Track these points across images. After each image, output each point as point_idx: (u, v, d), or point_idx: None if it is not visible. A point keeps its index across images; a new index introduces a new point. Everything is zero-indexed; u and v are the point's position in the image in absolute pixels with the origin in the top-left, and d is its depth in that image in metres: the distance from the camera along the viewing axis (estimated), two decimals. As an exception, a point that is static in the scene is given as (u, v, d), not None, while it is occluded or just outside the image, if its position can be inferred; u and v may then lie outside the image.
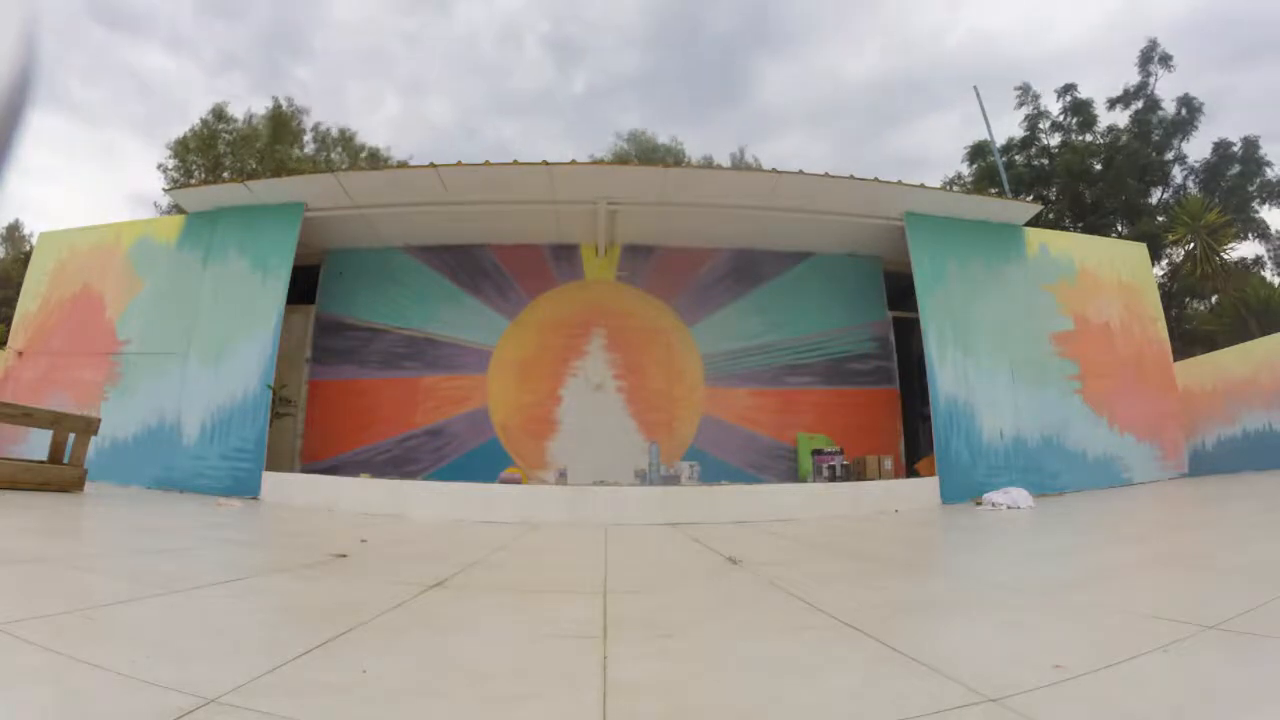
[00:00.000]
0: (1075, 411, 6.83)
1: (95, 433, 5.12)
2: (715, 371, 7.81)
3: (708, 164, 22.89)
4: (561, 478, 6.59)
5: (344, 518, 4.82)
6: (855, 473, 6.50)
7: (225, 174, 19.23)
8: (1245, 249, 15.93)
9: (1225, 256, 11.78)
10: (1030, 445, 6.54)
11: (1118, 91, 17.94)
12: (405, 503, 5.35)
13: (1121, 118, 17.92)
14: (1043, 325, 7.04)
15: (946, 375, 6.52)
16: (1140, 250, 8.07)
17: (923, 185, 6.94)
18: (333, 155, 22.47)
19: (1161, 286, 11.75)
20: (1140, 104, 17.55)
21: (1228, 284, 11.78)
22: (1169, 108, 17.04)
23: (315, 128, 22.79)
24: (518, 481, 5.96)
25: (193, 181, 17.94)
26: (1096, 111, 18.20)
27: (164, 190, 18.91)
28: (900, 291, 7.67)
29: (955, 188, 18.56)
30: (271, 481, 5.90)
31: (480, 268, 7.95)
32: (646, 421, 7.55)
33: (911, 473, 7.34)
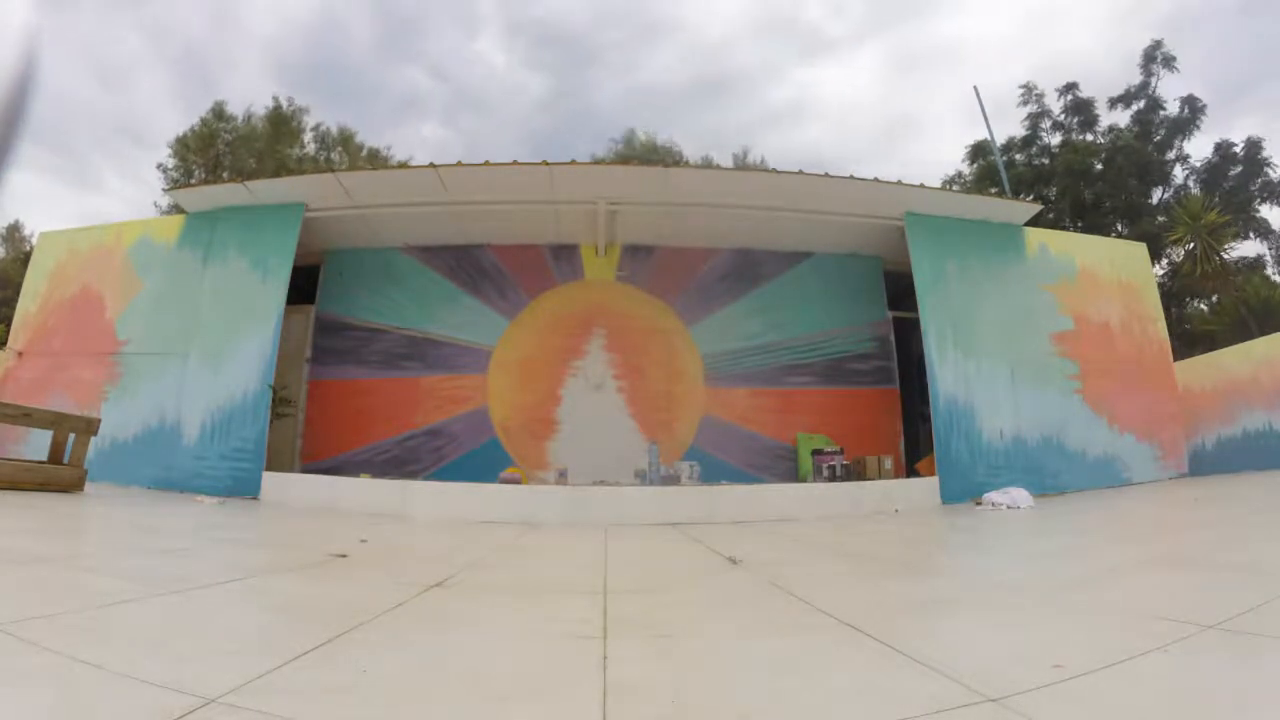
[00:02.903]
0: (1075, 411, 6.82)
1: (95, 433, 5.12)
2: (715, 371, 7.81)
3: (708, 164, 22.88)
4: (561, 478, 6.59)
5: (344, 518, 4.81)
6: (855, 473, 6.50)
7: (225, 174, 19.23)
8: (1246, 248, 15.95)
9: (1225, 256, 11.78)
10: (1030, 445, 6.53)
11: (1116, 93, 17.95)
12: (405, 503, 5.35)
13: (1123, 117, 17.93)
14: (1043, 325, 7.04)
15: (946, 375, 6.52)
16: (1140, 250, 8.07)
17: (923, 185, 6.94)
18: (333, 155, 22.48)
19: (1161, 286, 11.72)
20: (1142, 103, 17.54)
21: (1228, 284, 11.77)
22: (1172, 107, 17.04)
23: (316, 128, 22.82)
24: (518, 482, 5.96)
25: (193, 181, 17.94)
26: (1098, 111, 18.21)
27: (164, 190, 18.94)
28: (900, 291, 7.66)
29: (955, 187, 18.57)
30: (272, 481, 5.90)
31: (480, 268, 7.95)
32: (646, 421, 7.55)
33: (911, 473, 7.34)
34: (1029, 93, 18.85)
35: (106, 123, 41.27)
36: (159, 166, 20.54)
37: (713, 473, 6.83)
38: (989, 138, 15.24)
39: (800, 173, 6.62)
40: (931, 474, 6.28)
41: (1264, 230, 16.04)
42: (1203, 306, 16.06)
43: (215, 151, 20.23)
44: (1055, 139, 18.79)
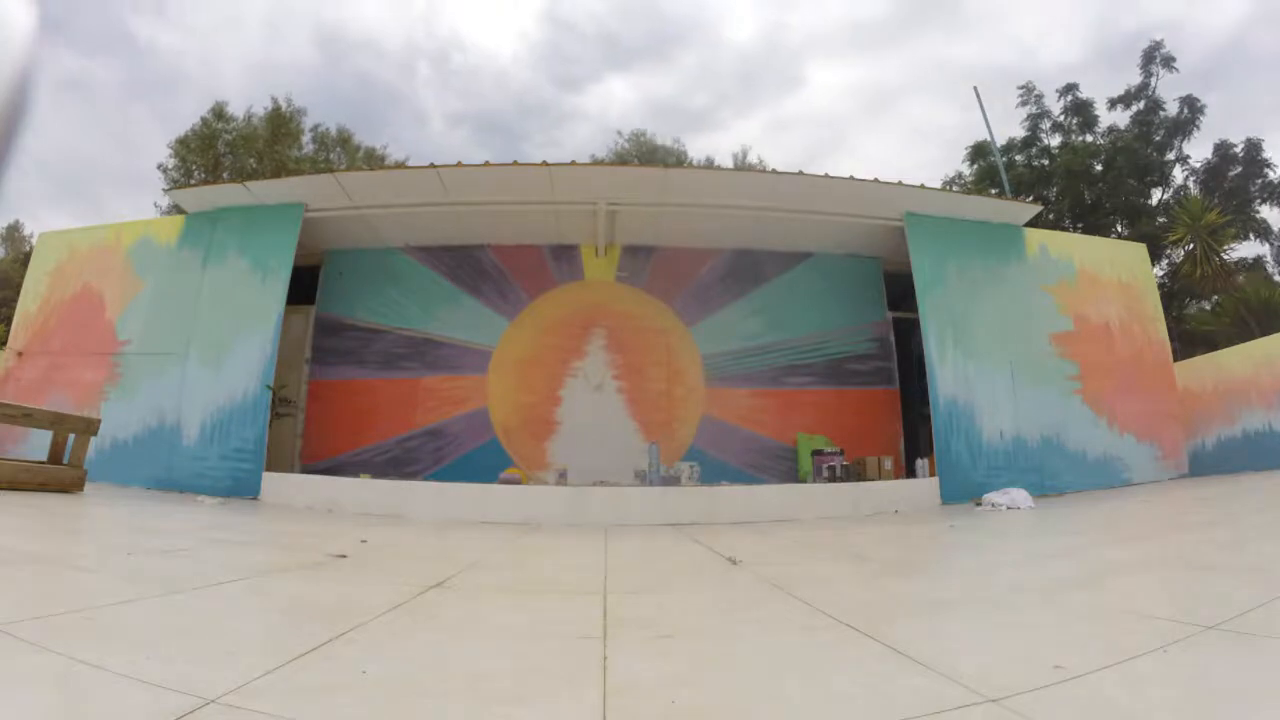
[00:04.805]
0: (1075, 412, 6.82)
1: (95, 433, 5.12)
2: (715, 372, 7.81)
3: (708, 165, 22.89)
4: (561, 478, 6.59)
5: (344, 518, 4.82)
6: (855, 473, 6.49)
7: (225, 174, 19.21)
8: (1246, 248, 15.92)
9: (1225, 257, 11.77)
10: (1030, 445, 6.53)
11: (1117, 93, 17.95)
12: (405, 503, 5.35)
13: (1123, 118, 17.91)
14: (1043, 326, 7.04)
15: (946, 375, 6.52)
16: (1140, 251, 8.07)
17: (923, 186, 6.94)
18: (331, 156, 22.46)
19: (1161, 287, 11.70)
20: (1141, 104, 17.53)
21: (1228, 284, 11.76)
22: (1171, 108, 17.02)
23: (315, 129, 22.79)
24: (518, 482, 5.96)
25: (192, 182, 17.94)
26: (1097, 112, 18.19)
27: (164, 191, 18.93)
28: (900, 291, 7.66)
29: (955, 188, 18.57)
30: (272, 482, 5.90)
31: (480, 268, 7.95)
32: (646, 422, 7.55)
33: (911, 473, 7.34)
34: (1029, 93, 18.85)
35: (124, 177, 50.70)
36: (159, 166, 20.51)
37: (713, 473, 6.83)
38: (989, 138, 15.26)
39: (800, 173, 6.63)
40: (931, 474, 6.29)
41: (1264, 231, 16.02)
42: (1205, 305, 16.04)
43: (215, 152, 20.21)
44: (1055, 140, 18.78)
